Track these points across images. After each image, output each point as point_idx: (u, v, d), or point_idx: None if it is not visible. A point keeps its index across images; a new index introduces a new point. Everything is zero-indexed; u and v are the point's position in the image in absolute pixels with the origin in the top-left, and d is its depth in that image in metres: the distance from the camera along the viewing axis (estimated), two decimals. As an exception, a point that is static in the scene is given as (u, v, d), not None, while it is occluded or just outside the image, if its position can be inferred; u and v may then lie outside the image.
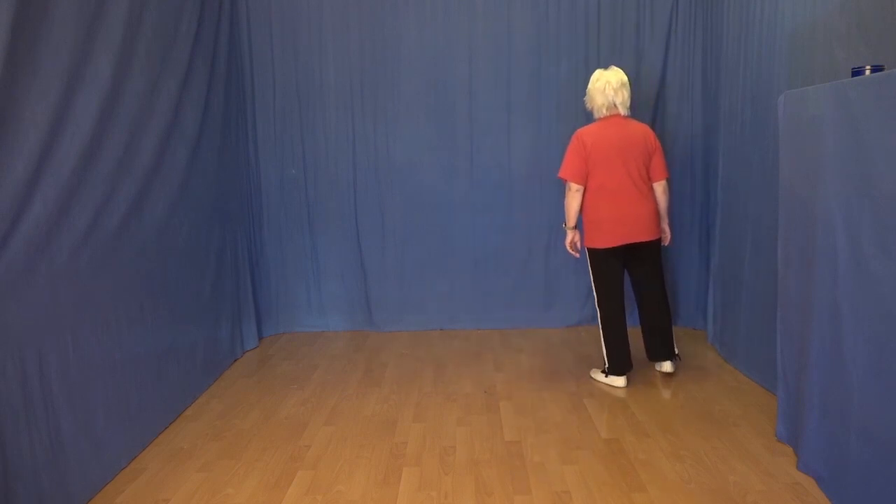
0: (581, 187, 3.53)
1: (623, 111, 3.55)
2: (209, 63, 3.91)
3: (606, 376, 3.70)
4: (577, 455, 2.88)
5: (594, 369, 3.83)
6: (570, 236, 3.66)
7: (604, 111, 3.56)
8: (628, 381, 3.67)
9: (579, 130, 3.56)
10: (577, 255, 3.72)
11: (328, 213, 4.80)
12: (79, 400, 2.55)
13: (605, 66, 4.61)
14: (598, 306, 3.65)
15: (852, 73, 2.38)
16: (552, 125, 4.70)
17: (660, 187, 3.60)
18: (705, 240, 4.63)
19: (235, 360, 4.27)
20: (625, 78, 3.55)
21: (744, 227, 3.75)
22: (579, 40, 4.63)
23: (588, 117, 4.65)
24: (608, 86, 3.52)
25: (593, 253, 3.60)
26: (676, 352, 3.79)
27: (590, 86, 3.61)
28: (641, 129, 3.55)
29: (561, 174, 3.57)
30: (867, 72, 2.32)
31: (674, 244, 4.77)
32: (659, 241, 3.65)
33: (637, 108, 4.67)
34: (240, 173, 4.47)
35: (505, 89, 4.68)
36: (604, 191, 3.49)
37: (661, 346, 3.74)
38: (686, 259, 4.78)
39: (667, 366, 3.77)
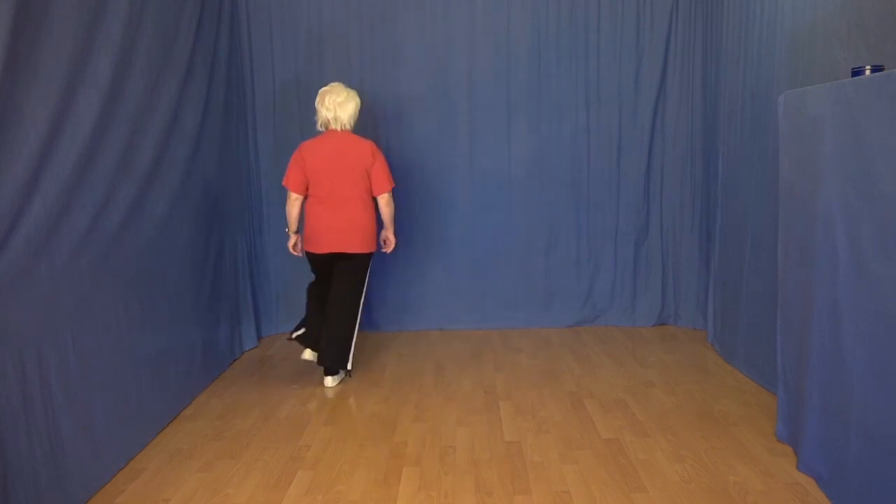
0: (299, 197, 3.73)
1: (340, 127, 3.69)
2: (209, 63, 3.91)
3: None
4: (577, 455, 2.88)
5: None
6: (292, 240, 3.89)
7: (322, 127, 3.74)
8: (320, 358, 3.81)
9: (302, 143, 3.71)
10: (299, 254, 3.91)
11: (328, 213, 4.79)
12: (78, 400, 2.55)
13: (605, 66, 4.67)
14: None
15: (852, 73, 2.38)
16: (552, 125, 4.70)
17: (382, 200, 3.78)
18: (705, 240, 4.63)
19: (235, 360, 4.27)
20: (341, 97, 3.67)
21: (744, 228, 3.75)
22: (579, 40, 4.63)
23: (589, 117, 4.73)
24: (322, 106, 3.68)
25: (307, 256, 3.84)
26: (349, 367, 3.83)
27: (316, 102, 3.75)
28: (358, 144, 3.68)
29: (283, 183, 3.74)
30: (867, 72, 2.32)
31: (672, 243, 4.79)
32: (365, 256, 3.76)
33: (637, 107, 4.69)
34: (240, 173, 4.47)
35: (505, 89, 4.67)
36: (316, 201, 3.69)
37: (334, 357, 3.74)
38: (686, 259, 4.77)
39: (329, 380, 3.77)
